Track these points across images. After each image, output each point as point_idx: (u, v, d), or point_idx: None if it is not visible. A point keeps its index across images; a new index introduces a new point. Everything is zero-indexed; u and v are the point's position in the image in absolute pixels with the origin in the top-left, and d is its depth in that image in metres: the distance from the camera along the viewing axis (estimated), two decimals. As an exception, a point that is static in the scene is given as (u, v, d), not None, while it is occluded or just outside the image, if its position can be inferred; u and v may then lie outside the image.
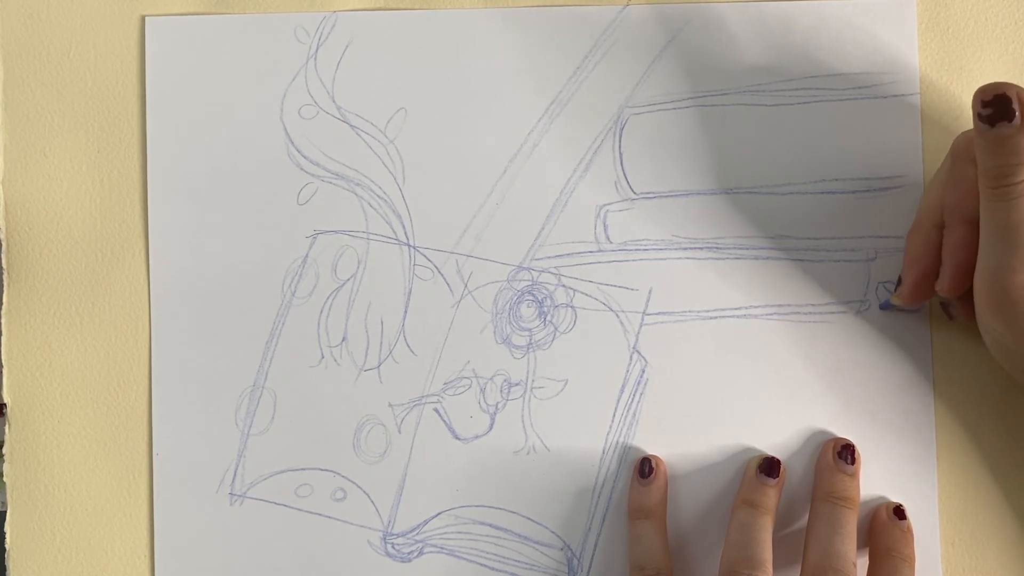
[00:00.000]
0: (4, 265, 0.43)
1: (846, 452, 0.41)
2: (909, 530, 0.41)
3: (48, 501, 0.43)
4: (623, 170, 0.43)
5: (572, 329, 0.43)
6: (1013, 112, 0.34)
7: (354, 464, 0.43)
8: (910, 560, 0.40)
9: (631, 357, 0.43)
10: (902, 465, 0.42)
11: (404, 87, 0.43)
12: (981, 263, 0.37)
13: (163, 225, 0.43)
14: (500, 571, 0.42)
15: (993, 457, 0.42)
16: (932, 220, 0.39)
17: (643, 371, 0.42)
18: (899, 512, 0.41)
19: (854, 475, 0.41)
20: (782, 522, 0.42)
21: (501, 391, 0.43)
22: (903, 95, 0.43)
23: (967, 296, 0.39)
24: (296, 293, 0.43)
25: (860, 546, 0.41)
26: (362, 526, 0.42)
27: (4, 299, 0.43)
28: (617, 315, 0.43)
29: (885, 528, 0.41)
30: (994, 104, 0.34)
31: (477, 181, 0.43)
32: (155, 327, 0.43)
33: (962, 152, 0.38)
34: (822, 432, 0.42)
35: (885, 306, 0.42)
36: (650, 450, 0.42)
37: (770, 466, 0.41)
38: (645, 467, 0.41)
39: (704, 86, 0.43)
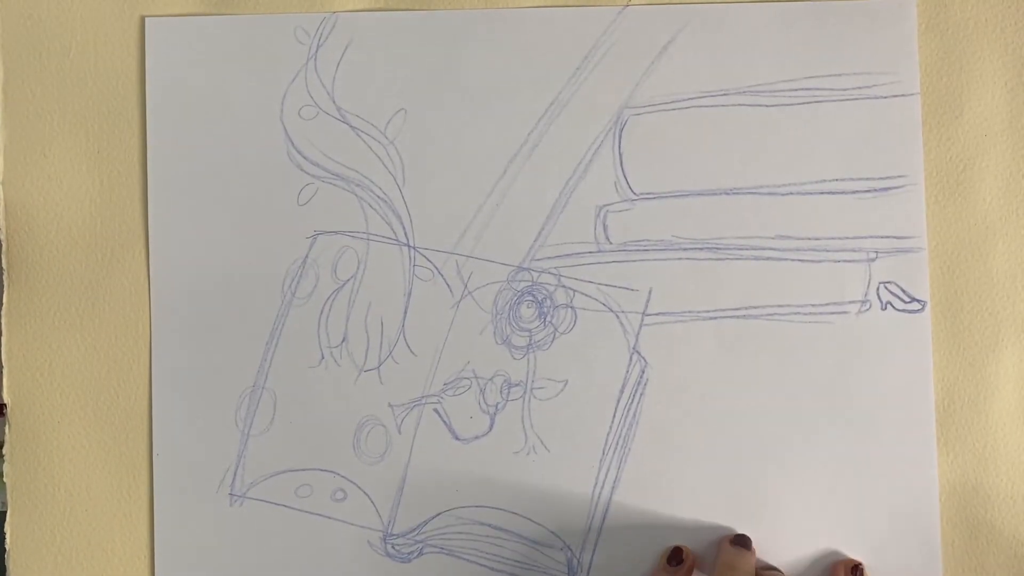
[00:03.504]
0: (4, 265, 0.43)
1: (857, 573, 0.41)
2: None
3: (48, 501, 0.43)
4: (623, 170, 0.43)
5: (572, 330, 0.43)
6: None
7: (354, 464, 0.43)
8: None
9: (631, 357, 0.43)
10: (902, 465, 0.42)
11: (404, 87, 0.43)
12: None
13: (163, 225, 0.43)
14: (500, 571, 0.42)
15: (993, 457, 0.42)
16: None
17: (643, 371, 0.42)
18: (856, 572, 0.41)
19: None
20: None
21: (501, 392, 0.43)
22: (903, 95, 0.43)
23: None
24: (296, 294, 0.43)
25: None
26: (362, 526, 0.42)
27: (4, 299, 0.43)
28: (617, 315, 0.43)
29: None
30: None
31: (477, 181, 0.43)
32: (155, 327, 0.43)
33: None
34: (821, 433, 0.42)
35: None
36: (649, 449, 0.42)
37: (742, 540, 0.41)
38: (675, 556, 0.41)
39: (704, 86, 0.43)
